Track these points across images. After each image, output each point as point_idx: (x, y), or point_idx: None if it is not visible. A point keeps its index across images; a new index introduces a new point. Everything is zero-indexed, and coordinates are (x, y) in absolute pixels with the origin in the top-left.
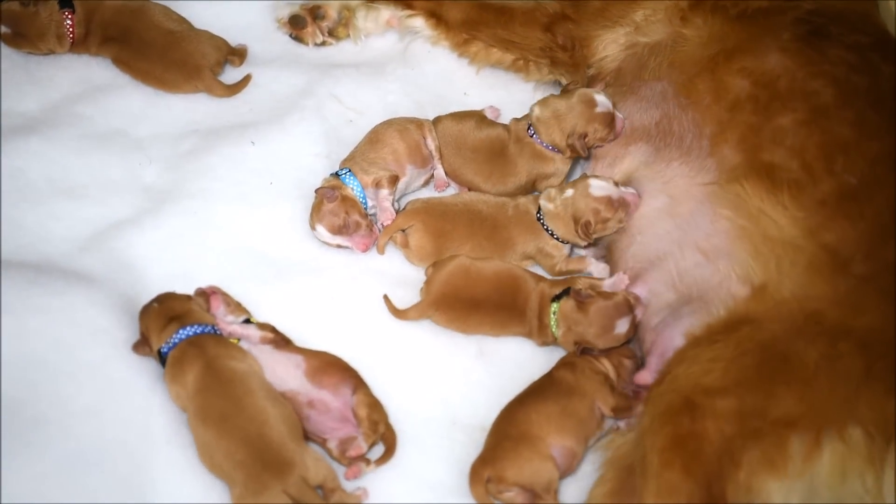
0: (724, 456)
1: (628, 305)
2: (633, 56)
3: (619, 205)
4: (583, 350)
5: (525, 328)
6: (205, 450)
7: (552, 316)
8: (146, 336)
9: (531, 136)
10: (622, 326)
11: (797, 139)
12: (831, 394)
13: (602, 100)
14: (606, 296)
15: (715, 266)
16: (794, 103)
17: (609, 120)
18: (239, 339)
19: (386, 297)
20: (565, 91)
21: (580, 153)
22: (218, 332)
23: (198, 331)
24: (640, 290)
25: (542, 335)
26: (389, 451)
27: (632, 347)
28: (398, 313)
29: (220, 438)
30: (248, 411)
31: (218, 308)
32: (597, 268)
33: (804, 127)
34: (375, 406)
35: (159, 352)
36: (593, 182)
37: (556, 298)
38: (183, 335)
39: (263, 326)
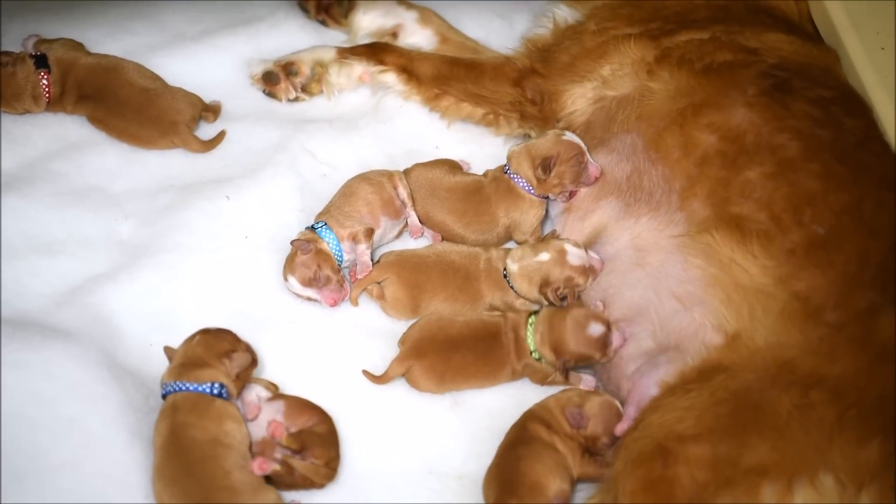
0: (696, 502)
1: (605, 320)
2: (601, 109)
3: (589, 272)
4: (564, 367)
5: (504, 355)
6: (160, 496)
7: (529, 328)
8: (171, 357)
9: (506, 172)
10: (596, 329)
11: (765, 192)
12: (803, 442)
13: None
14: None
15: (691, 314)
16: (760, 157)
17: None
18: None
19: (366, 371)
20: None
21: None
22: (216, 393)
23: (191, 388)
24: (623, 329)
25: (519, 354)
26: (309, 482)
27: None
28: (378, 379)
29: (170, 499)
30: (196, 476)
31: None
32: None
33: (771, 180)
34: (317, 438)
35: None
36: (571, 250)
37: (535, 314)
38: (176, 388)
39: (269, 386)
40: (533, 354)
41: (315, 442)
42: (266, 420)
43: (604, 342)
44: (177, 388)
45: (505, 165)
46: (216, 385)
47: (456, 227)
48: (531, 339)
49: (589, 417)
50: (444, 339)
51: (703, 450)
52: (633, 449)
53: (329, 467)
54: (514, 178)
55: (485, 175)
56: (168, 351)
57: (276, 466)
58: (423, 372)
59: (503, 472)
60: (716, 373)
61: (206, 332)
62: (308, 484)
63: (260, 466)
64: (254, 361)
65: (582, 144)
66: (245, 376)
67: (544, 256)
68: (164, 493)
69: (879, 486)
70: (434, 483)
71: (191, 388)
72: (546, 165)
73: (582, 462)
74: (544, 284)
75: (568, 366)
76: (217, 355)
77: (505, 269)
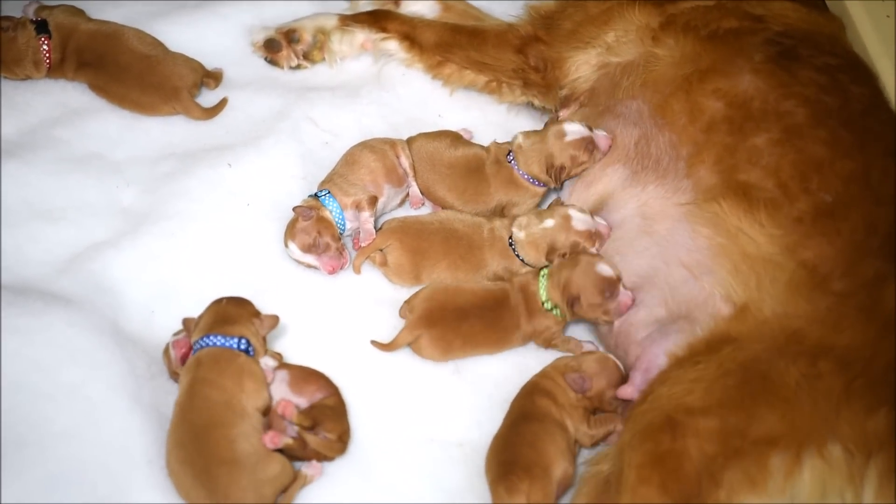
0: (705, 475)
1: (617, 270)
2: (605, 76)
3: (595, 237)
4: (570, 303)
5: (513, 320)
6: (169, 458)
7: (541, 279)
8: (190, 327)
9: (510, 162)
10: (605, 269)
11: (772, 159)
12: (812, 412)
13: (572, 128)
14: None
15: (700, 283)
16: (767, 124)
17: (584, 144)
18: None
19: (374, 341)
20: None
21: (552, 183)
22: (242, 348)
23: (218, 342)
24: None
25: (530, 311)
26: (321, 457)
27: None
28: (386, 347)
29: (176, 462)
30: (200, 444)
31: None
32: None
33: (778, 147)
34: (328, 412)
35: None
36: (575, 214)
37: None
38: (205, 343)
39: (274, 355)
40: (545, 305)
41: (326, 416)
42: (276, 391)
43: (612, 287)
44: (204, 344)
45: (508, 153)
46: (243, 340)
47: (455, 204)
48: (543, 287)
49: (590, 377)
50: (454, 308)
51: (712, 422)
52: (641, 421)
53: (341, 440)
54: (520, 172)
55: (487, 150)
56: (187, 322)
57: (289, 441)
58: (432, 341)
59: (516, 447)
60: (724, 344)
61: (231, 297)
62: (320, 457)
63: (272, 440)
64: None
65: (587, 132)
66: (265, 341)
67: (549, 223)
68: (171, 454)
69: (887, 455)
70: (435, 450)
71: (218, 342)
72: (558, 175)
73: (592, 425)
74: (551, 251)
75: (575, 307)
76: (249, 314)
77: (510, 238)
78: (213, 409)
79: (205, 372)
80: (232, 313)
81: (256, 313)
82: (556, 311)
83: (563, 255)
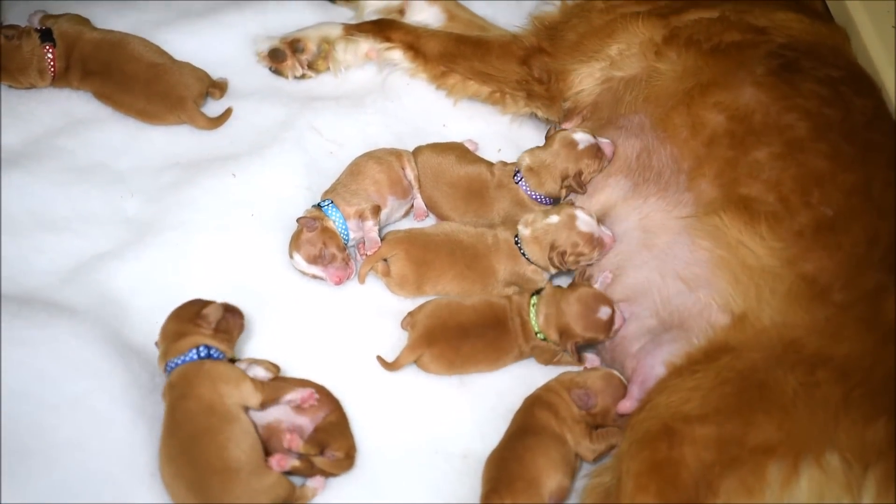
0: (702, 483)
1: (610, 301)
2: (608, 90)
3: (597, 243)
4: (574, 348)
5: (512, 340)
6: (162, 475)
7: (531, 309)
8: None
9: (518, 182)
10: (604, 312)
11: (773, 173)
12: (809, 421)
13: (581, 137)
14: (590, 286)
15: (696, 295)
16: (769, 137)
17: (595, 151)
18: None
19: (379, 358)
20: (547, 140)
21: (578, 190)
22: (202, 356)
23: (179, 362)
24: (623, 309)
25: (527, 337)
26: (328, 474)
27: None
28: (389, 366)
29: (169, 477)
30: (190, 454)
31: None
32: None
33: (780, 160)
34: (332, 431)
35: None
36: (581, 215)
37: (536, 294)
38: (168, 369)
39: (270, 367)
40: (538, 336)
41: (332, 436)
42: (274, 407)
43: (610, 323)
44: (168, 369)
45: (516, 174)
46: (201, 349)
47: (457, 220)
48: (534, 320)
49: (596, 394)
50: (455, 326)
51: (709, 430)
52: (639, 429)
53: (348, 457)
54: (530, 193)
55: (492, 172)
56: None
57: (296, 463)
58: (434, 359)
59: (505, 462)
60: (722, 353)
61: (171, 313)
62: (327, 475)
63: (279, 463)
64: (239, 317)
65: (593, 139)
66: (229, 329)
67: (554, 219)
68: (164, 470)
69: (885, 465)
70: (440, 462)
71: (178, 361)
72: (580, 182)
73: (595, 440)
74: (552, 248)
75: (576, 347)
76: (188, 319)
77: (517, 236)
78: (196, 419)
79: (179, 391)
80: (173, 328)
81: (197, 312)
82: (549, 341)
83: (563, 255)
